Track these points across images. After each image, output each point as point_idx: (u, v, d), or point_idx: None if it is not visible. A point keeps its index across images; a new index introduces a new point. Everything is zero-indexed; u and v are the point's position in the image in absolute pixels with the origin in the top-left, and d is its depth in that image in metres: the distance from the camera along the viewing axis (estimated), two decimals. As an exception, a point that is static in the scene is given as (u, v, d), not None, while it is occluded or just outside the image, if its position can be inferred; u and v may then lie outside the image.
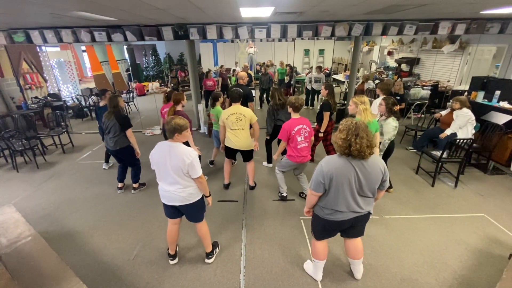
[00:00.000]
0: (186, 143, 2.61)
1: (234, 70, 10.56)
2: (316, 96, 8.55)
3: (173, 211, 2.50)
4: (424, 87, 7.27)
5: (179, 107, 3.85)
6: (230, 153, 3.84)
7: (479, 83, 5.69)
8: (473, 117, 4.17)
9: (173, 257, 2.72)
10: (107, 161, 4.89)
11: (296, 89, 10.10)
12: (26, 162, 5.16)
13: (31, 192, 4.17)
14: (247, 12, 3.86)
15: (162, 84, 12.56)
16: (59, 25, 5.17)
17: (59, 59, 8.68)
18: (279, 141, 3.41)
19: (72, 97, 8.87)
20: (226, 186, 4.11)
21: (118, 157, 3.89)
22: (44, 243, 2.35)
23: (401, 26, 5.12)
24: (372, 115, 3.13)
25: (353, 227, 2.21)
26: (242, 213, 3.53)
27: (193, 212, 2.51)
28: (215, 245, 2.85)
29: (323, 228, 2.25)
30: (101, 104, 4.49)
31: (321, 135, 4.36)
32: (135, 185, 4.06)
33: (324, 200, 2.09)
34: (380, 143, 3.33)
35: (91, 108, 8.47)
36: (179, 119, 2.26)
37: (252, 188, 4.07)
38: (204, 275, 2.58)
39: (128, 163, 3.92)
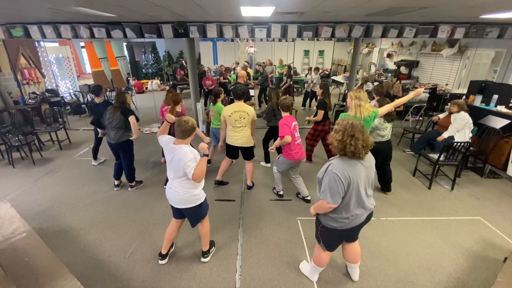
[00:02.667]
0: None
1: (234, 68, 10.50)
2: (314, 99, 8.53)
3: (176, 212, 2.56)
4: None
5: (178, 108, 3.83)
6: (231, 152, 3.83)
7: (477, 87, 5.72)
8: (471, 121, 4.19)
9: (163, 257, 2.70)
10: (95, 157, 4.88)
11: (295, 90, 10.07)
12: (22, 158, 5.12)
13: (27, 188, 4.14)
14: (247, 11, 3.86)
15: (162, 82, 12.51)
16: (58, 21, 5.13)
17: (58, 54, 8.63)
18: (274, 141, 3.43)
19: (70, 93, 8.81)
20: (217, 182, 4.10)
21: (117, 151, 3.87)
22: (39, 239, 2.34)
23: (401, 29, 5.14)
24: (368, 111, 3.03)
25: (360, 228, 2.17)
26: (239, 213, 3.52)
27: (189, 214, 2.51)
28: (211, 244, 2.84)
29: (340, 237, 2.16)
30: (97, 101, 4.29)
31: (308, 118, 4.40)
32: (132, 183, 4.04)
33: (339, 210, 1.94)
34: None
35: (89, 104, 8.42)
36: (185, 122, 2.30)
37: (249, 187, 4.06)
38: (200, 274, 2.58)
39: (123, 159, 3.87)
